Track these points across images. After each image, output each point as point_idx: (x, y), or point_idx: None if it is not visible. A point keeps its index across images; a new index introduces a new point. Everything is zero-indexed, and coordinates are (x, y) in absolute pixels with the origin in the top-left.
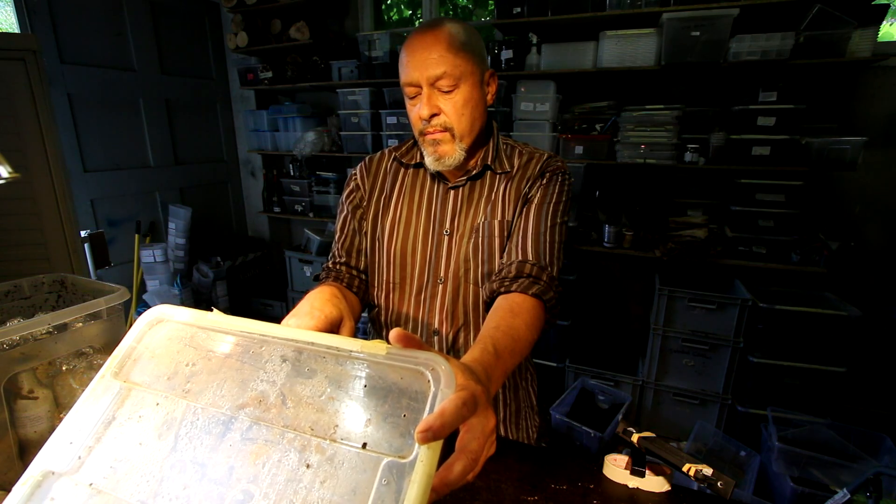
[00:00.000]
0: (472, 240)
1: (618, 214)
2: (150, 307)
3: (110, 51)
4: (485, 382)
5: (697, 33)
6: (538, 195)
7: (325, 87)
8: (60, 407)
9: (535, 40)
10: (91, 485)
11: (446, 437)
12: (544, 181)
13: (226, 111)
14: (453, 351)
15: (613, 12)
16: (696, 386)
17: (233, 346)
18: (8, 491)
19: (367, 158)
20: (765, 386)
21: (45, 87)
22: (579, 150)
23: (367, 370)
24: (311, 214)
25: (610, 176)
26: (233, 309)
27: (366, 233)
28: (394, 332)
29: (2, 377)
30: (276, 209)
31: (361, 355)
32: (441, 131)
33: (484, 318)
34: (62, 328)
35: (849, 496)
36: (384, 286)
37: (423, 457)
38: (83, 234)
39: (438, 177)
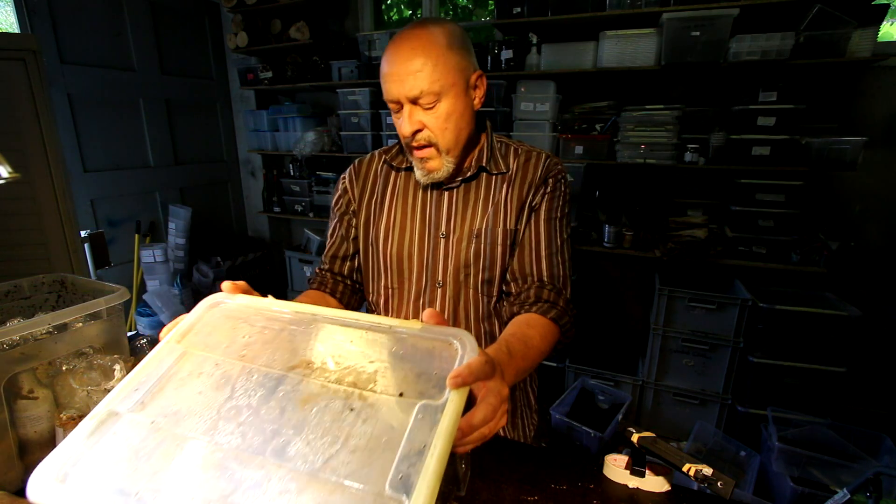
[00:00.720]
0: (473, 245)
1: (618, 214)
2: (150, 307)
3: (110, 51)
4: (499, 369)
5: (697, 33)
6: (544, 206)
7: (325, 87)
8: (60, 407)
9: (535, 40)
10: (152, 423)
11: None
12: (548, 189)
13: (226, 111)
14: None
15: (613, 12)
16: (696, 386)
17: (285, 322)
18: (8, 490)
19: (355, 162)
20: (765, 386)
21: (45, 87)
22: (579, 150)
23: (403, 340)
24: (311, 214)
25: (610, 176)
26: None
27: (356, 238)
28: (427, 312)
29: (2, 377)
30: (276, 209)
31: (400, 330)
32: (426, 146)
33: (484, 324)
34: (62, 328)
35: (849, 496)
36: (382, 291)
37: (452, 398)
38: (83, 234)
39: None
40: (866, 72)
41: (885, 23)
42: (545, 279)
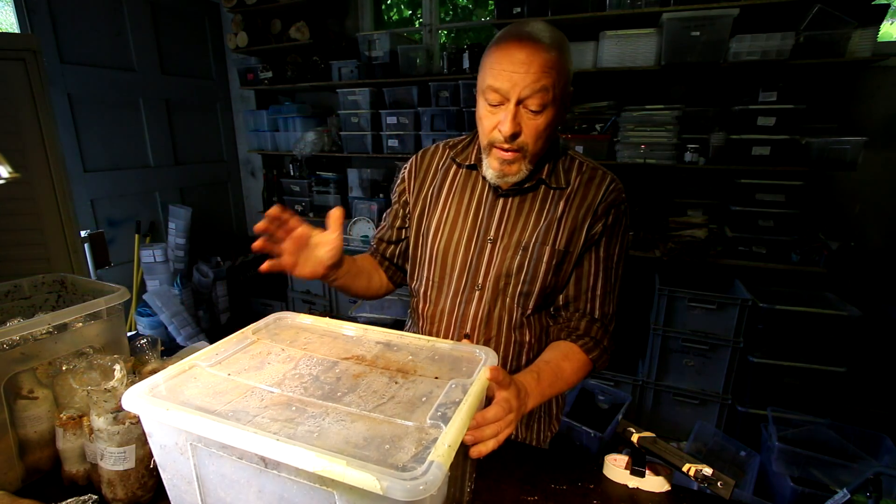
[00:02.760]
0: (519, 257)
1: None
2: (150, 307)
3: (110, 51)
4: (521, 390)
5: (697, 33)
6: (604, 241)
7: (325, 87)
8: (60, 407)
9: None
10: (228, 374)
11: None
12: (609, 221)
13: (226, 111)
14: None
15: (613, 12)
16: (696, 386)
17: (340, 333)
18: (8, 490)
19: (419, 154)
20: (765, 386)
21: (45, 87)
22: (579, 150)
23: (438, 349)
24: (311, 214)
25: None
26: (232, 309)
27: (402, 228)
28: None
29: (2, 377)
30: None
31: (436, 343)
32: (515, 151)
33: (516, 333)
34: (62, 328)
35: (849, 496)
36: (424, 281)
37: (480, 375)
38: (83, 234)
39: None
40: (866, 72)
41: (885, 23)
42: (597, 316)
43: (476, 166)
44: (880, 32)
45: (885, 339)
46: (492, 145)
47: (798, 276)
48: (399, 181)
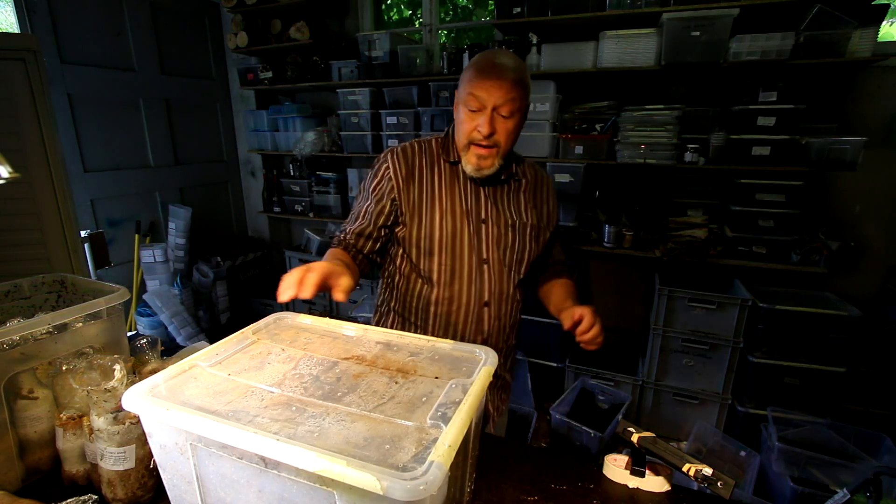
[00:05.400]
0: (510, 232)
1: (618, 214)
2: (150, 307)
3: (110, 51)
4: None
5: (697, 33)
6: (555, 216)
7: (325, 87)
8: (60, 407)
9: (535, 40)
10: (228, 374)
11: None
12: (551, 198)
13: (226, 111)
14: (498, 319)
15: (613, 12)
16: (696, 386)
17: (340, 333)
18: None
19: (398, 152)
20: (765, 386)
21: (46, 87)
22: (579, 150)
23: (438, 350)
24: (311, 214)
25: (610, 176)
26: (232, 309)
27: (384, 226)
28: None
29: (2, 377)
30: (276, 209)
31: (436, 343)
32: (490, 147)
33: (516, 295)
34: (62, 328)
35: (849, 496)
36: (437, 267)
37: (480, 375)
38: (83, 234)
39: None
40: (866, 72)
41: (885, 23)
42: (563, 258)
43: (457, 161)
44: (880, 32)
45: (885, 339)
46: (470, 144)
47: (798, 276)
48: (382, 179)
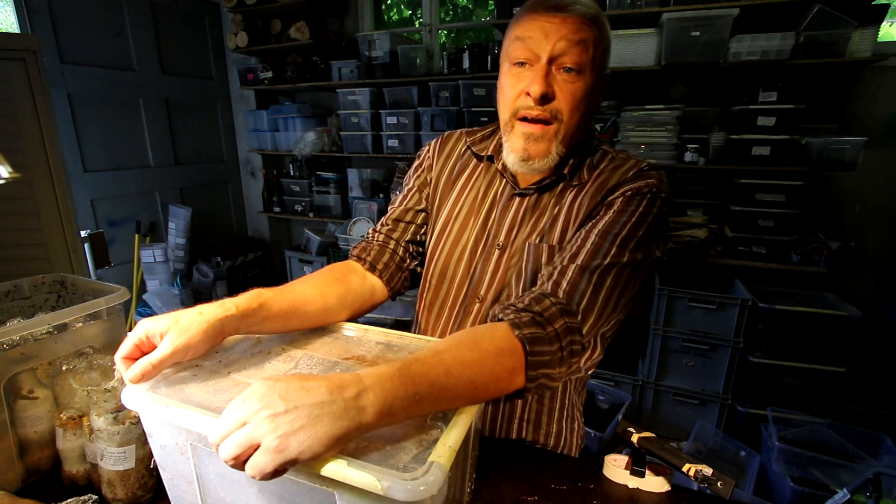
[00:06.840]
0: (514, 260)
1: None
2: (150, 307)
3: (110, 51)
4: (335, 386)
5: (697, 33)
6: (606, 217)
7: (325, 87)
8: (61, 407)
9: None
10: (229, 373)
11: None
12: (619, 198)
13: (226, 111)
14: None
15: (613, 12)
16: (696, 386)
17: (340, 333)
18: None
19: (442, 137)
20: (765, 386)
21: (46, 87)
22: None
23: None
24: (311, 214)
25: None
26: None
27: (424, 211)
28: None
29: (2, 377)
30: (276, 209)
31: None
32: (545, 121)
33: None
34: (62, 328)
35: (849, 496)
36: (421, 280)
37: None
38: (83, 234)
39: (509, 176)
40: (866, 72)
41: (885, 23)
42: (559, 294)
43: (493, 157)
44: (880, 32)
45: (885, 339)
46: (515, 117)
47: (798, 276)
48: (419, 164)
